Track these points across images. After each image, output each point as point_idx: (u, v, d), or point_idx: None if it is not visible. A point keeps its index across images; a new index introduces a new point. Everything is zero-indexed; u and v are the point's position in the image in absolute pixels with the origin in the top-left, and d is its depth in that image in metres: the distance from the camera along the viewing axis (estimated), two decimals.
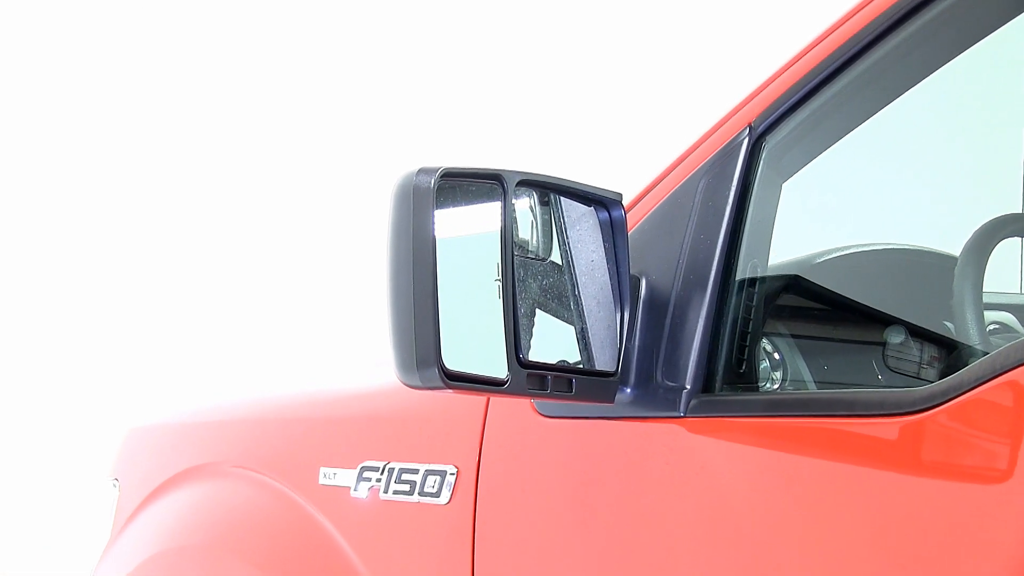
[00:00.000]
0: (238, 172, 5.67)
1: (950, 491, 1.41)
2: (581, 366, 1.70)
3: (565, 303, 1.72)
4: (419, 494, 1.95)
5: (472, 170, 1.62)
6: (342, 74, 5.66)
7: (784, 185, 1.74)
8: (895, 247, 2.12)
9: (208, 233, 5.67)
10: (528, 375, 1.61)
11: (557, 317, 1.71)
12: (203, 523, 2.35)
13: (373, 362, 2.37)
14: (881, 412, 1.48)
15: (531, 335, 1.66)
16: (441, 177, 1.55)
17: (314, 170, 5.67)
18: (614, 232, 1.73)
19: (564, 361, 1.70)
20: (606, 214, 1.73)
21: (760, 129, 1.70)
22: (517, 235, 1.68)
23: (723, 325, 1.68)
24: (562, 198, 1.74)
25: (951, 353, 1.85)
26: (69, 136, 5.62)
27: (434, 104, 5.62)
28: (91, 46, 5.62)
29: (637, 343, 1.71)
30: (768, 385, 1.78)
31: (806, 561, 1.52)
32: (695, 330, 1.67)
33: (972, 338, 1.78)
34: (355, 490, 2.05)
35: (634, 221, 1.78)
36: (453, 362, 1.53)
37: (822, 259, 2.00)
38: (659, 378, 1.68)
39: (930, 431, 1.43)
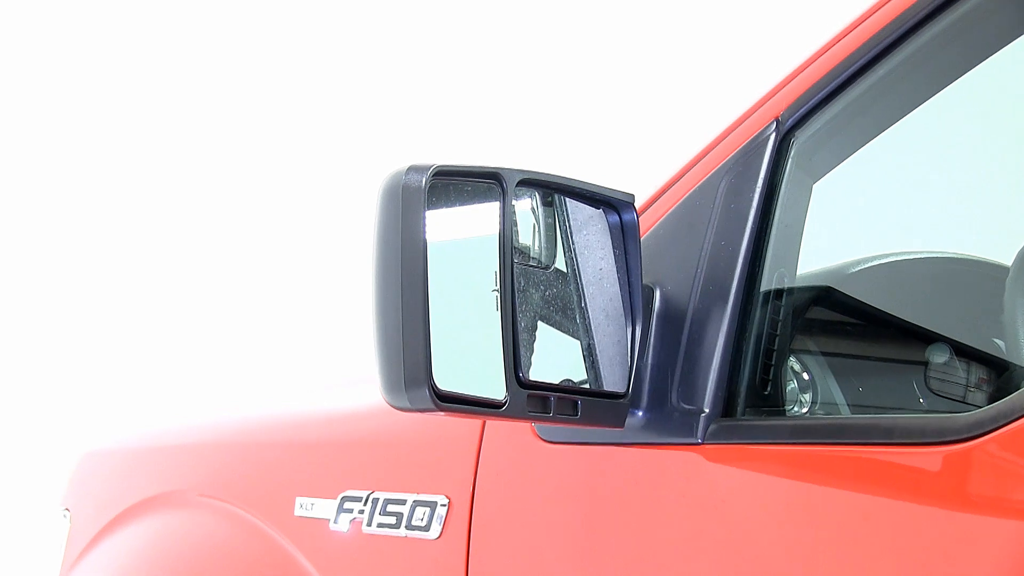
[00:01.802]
0: (211, 171, 5.68)
1: (999, 529, 1.40)
2: (588, 386, 1.70)
3: (570, 316, 1.72)
4: (406, 527, 1.95)
5: (468, 168, 1.62)
6: (330, 67, 5.67)
7: (815, 186, 1.74)
8: (938, 255, 2.12)
9: (176, 235, 5.67)
10: (528, 396, 1.61)
11: (561, 331, 1.71)
12: (164, 558, 2.34)
13: (356, 379, 2.37)
14: (923, 440, 1.48)
15: (532, 352, 1.66)
16: (433, 175, 1.55)
17: (296, 168, 5.68)
18: (625, 237, 1.73)
19: (569, 380, 1.70)
20: (616, 217, 1.73)
21: (789, 124, 1.70)
22: (517, 240, 1.68)
23: (746, 342, 1.68)
24: (567, 199, 1.74)
25: (1002, 375, 1.85)
26: (36, 144, 5.64)
27: (426, 95, 5.62)
28: (88, 46, 5.64)
29: (650, 361, 1.71)
30: (796, 409, 1.78)
31: None
32: (715, 347, 1.67)
33: None
34: (335, 522, 2.05)
35: (647, 225, 1.78)
36: (445, 381, 1.53)
37: (856, 268, 2.00)
38: (674, 400, 1.68)
39: (978, 462, 1.43)
